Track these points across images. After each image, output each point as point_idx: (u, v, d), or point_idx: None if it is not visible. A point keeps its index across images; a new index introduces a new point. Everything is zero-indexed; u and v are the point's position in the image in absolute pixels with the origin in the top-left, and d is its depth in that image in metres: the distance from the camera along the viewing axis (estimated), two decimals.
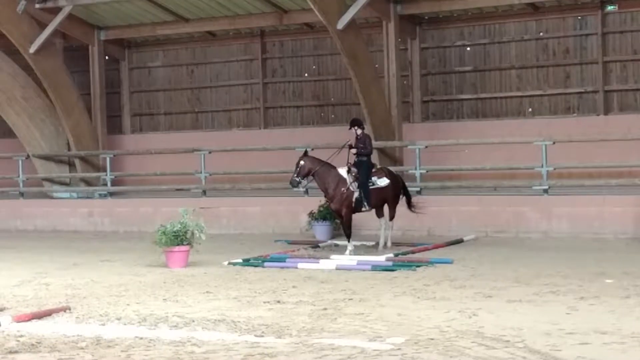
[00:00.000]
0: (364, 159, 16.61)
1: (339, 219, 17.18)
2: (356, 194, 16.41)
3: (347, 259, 15.40)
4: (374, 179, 16.63)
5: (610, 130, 20.86)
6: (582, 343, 8.56)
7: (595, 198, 18.78)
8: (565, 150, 20.31)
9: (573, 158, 20.40)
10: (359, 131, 16.72)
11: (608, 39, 22.05)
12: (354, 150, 16.58)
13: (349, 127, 16.89)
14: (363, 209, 16.68)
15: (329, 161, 16.57)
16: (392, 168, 21.36)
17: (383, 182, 16.76)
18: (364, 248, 17.25)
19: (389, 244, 17.12)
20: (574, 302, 10.89)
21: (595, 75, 22.11)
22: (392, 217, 17.27)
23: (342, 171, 16.49)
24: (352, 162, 16.58)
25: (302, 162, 16.49)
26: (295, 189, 17.69)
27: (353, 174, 16.46)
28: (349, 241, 16.41)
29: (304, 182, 16.74)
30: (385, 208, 17.14)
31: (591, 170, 20.58)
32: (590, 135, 20.52)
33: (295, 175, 16.51)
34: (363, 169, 16.51)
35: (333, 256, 15.85)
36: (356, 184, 16.42)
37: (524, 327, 9.36)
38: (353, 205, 16.44)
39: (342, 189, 16.38)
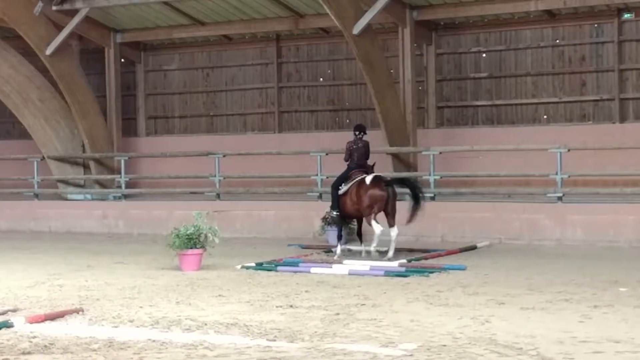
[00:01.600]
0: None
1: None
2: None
3: (360, 264, 15.40)
4: (343, 184, 16.74)
5: (625, 138, 20.78)
6: (595, 352, 8.53)
7: (610, 206, 18.72)
8: (580, 158, 20.24)
9: (588, 166, 20.34)
10: (360, 136, 17.07)
11: (624, 47, 21.98)
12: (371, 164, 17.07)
13: (356, 132, 17.14)
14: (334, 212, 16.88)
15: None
16: (406, 174, 21.46)
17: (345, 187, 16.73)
18: (377, 253, 17.20)
19: (390, 254, 16.28)
20: (587, 310, 10.86)
21: (611, 83, 22.04)
22: (390, 225, 16.44)
23: (368, 179, 16.48)
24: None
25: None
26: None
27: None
28: (339, 244, 16.85)
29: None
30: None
31: (606, 179, 20.52)
32: (606, 143, 20.45)
33: None
34: (340, 175, 16.94)
35: (346, 261, 15.84)
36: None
37: (536, 334, 9.34)
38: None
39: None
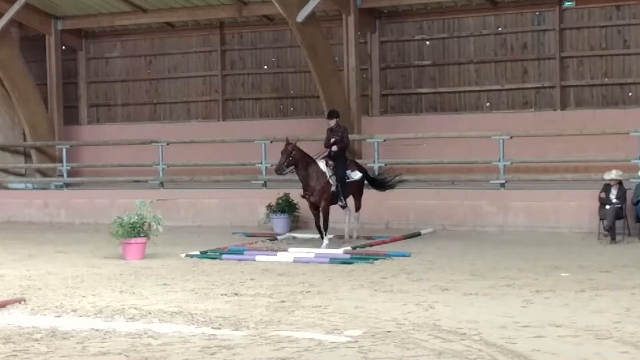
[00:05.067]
0: (340, 152, 16.63)
1: (314, 212, 16.63)
2: (333, 188, 16.40)
3: (305, 252, 15.42)
4: (348, 172, 16.68)
5: (566, 125, 21.03)
6: (537, 336, 8.64)
7: (551, 192, 18.94)
8: (522, 145, 20.44)
9: (530, 152, 20.57)
10: (333, 122, 16.73)
11: (565, 35, 22.23)
12: (335, 148, 16.49)
13: (327, 118, 16.96)
14: (339, 203, 16.65)
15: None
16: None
17: (356, 175, 16.84)
18: (335, 240, 17.22)
19: (354, 235, 17.21)
20: (529, 295, 10.99)
21: (552, 71, 22.29)
22: (358, 208, 17.37)
23: (322, 164, 16.43)
24: (328, 154, 16.53)
25: (293, 152, 16.10)
26: (279, 176, 16.84)
27: (331, 167, 16.44)
28: (325, 234, 16.35)
29: (287, 170, 16.33)
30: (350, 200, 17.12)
31: (547, 165, 20.77)
32: (547, 130, 20.72)
33: (285, 163, 16.13)
34: (340, 163, 16.54)
35: (291, 249, 15.85)
36: (334, 177, 16.40)
37: (480, 320, 9.43)
38: (331, 197, 16.42)
39: (322, 182, 16.30)
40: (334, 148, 16.48)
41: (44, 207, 23.74)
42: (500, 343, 8.35)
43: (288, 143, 16.27)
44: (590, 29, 22.05)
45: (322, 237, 16.34)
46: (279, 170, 16.24)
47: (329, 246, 16.01)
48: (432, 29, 23.53)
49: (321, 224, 16.44)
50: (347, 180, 16.60)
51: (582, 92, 22.15)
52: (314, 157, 16.49)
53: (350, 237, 17.14)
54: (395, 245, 16.56)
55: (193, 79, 26.25)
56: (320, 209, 16.40)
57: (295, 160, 16.15)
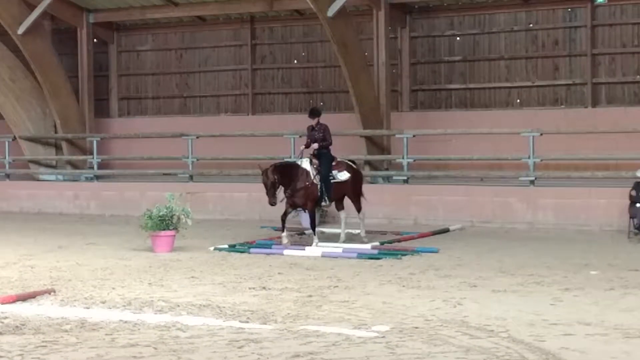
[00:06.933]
0: (324, 151, 16.07)
1: (289, 209, 16.08)
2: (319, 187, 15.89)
3: (333, 247, 15.42)
4: (334, 172, 16.01)
5: (597, 122, 20.88)
6: (566, 334, 8.60)
7: (581, 190, 18.84)
8: (553, 142, 20.32)
9: (560, 150, 20.43)
10: (315, 121, 16.19)
11: (597, 32, 22.07)
12: (315, 145, 16.01)
13: (309, 116, 16.37)
14: (323, 203, 16.11)
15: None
16: (380, 157, 21.52)
17: (343, 176, 16.11)
18: (349, 236, 17.23)
19: (362, 233, 16.47)
20: (558, 293, 10.94)
21: (583, 68, 22.14)
22: (359, 209, 16.54)
23: (305, 163, 15.93)
24: (313, 153, 16.05)
25: (276, 177, 15.44)
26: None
27: (315, 166, 15.90)
28: (314, 234, 15.96)
29: (278, 194, 15.69)
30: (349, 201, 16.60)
31: (578, 162, 20.63)
32: (578, 127, 20.56)
33: (272, 195, 15.49)
34: (324, 162, 15.95)
35: (320, 243, 15.85)
36: (319, 177, 15.84)
37: (508, 317, 9.40)
38: (317, 197, 15.88)
39: (306, 182, 15.78)
40: (315, 145, 15.99)
41: (74, 199, 23.89)
42: (528, 340, 8.32)
43: (264, 172, 15.52)
44: (622, 25, 21.89)
45: (283, 229, 15.78)
46: (273, 204, 15.58)
47: (318, 245, 15.51)
48: (463, 25, 23.44)
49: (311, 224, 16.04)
50: (332, 181, 15.94)
51: (613, 89, 21.98)
52: (300, 151, 16.23)
53: (345, 238, 16.32)
54: (423, 241, 16.54)
55: (223, 73, 26.31)
56: (307, 210, 16.01)
57: (280, 181, 15.56)
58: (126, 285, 11.83)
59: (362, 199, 16.60)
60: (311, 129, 16.33)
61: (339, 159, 16.42)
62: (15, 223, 21.17)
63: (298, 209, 16.50)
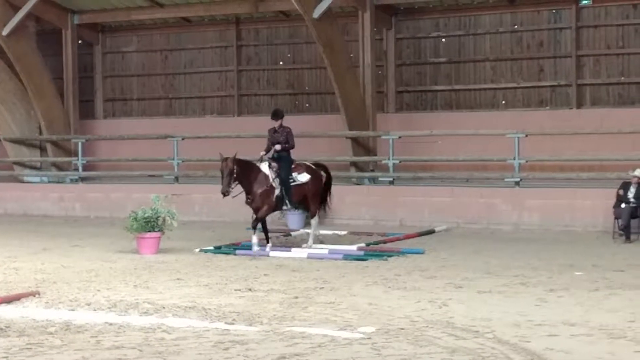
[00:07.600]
0: (284, 153, 15.78)
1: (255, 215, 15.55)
2: (277, 191, 15.55)
3: (320, 248, 15.42)
4: (294, 174, 15.75)
5: (582, 123, 20.94)
6: (551, 334, 8.63)
7: (566, 191, 18.91)
8: (538, 143, 20.38)
9: (545, 151, 20.49)
10: (277, 123, 15.79)
11: (582, 33, 22.13)
12: (278, 147, 15.66)
13: (272, 118, 15.95)
14: (284, 207, 15.87)
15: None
16: (365, 159, 21.51)
17: (304, 177, 15.83)
18: (334, 237, 17.25)
19: (310, 242, 15.91)
20: (543, 293, 10.97)
21: (568, 69, 22.20)
22: (313, 215, 16.25)
23: (264, 167, 15.62)
24: (271, 156, 15.72)
25: (235, 168, 15.12)
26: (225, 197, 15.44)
27: (274, 169, 15.57)
28: (267, 241, 15.50)
29: (233, 187, 15.30)
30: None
31: (563, 164, 20.69)
32: (563, 129, 20.63)
33: (227, 184, 15.05)
34: (284, 165, 15.65)
35: (305, 245, 15.84)
36: (278, 180, 15.55)
37: (493, 317, 9.42)
38: (274, 202, 15.57)
39: (266, 186, 15.43)
40: (277, 147, 15.66)
41: (59, 201, 23.82)
42: (514, 341, 8.34)
43: (224, 160, 15.20)
44: (607, 27, 21.95)
45: (254, 232, 15.33)
46: (225, 193, 15.06)
47: (257, 253, 15.03)
48: (448, 26, 23.47)
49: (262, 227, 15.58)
50: (292, 183, 15.67)
51: (598, 90, 22.05)
52: (260, 157, 15.80)
53: (310, 244, 15.89)
54: (409, 243, 16.56)
55: (209, 74, 26.27)
56: (258, 213, 15.43)
57: (238, 174, 15.23)
58: (111, 287, 11.80)
59: (327, 202, 16.41)
60: (273, 131, 15.92)
61: (297, 162, 16.06)
62: None
63: (284, 208, 16.23)
